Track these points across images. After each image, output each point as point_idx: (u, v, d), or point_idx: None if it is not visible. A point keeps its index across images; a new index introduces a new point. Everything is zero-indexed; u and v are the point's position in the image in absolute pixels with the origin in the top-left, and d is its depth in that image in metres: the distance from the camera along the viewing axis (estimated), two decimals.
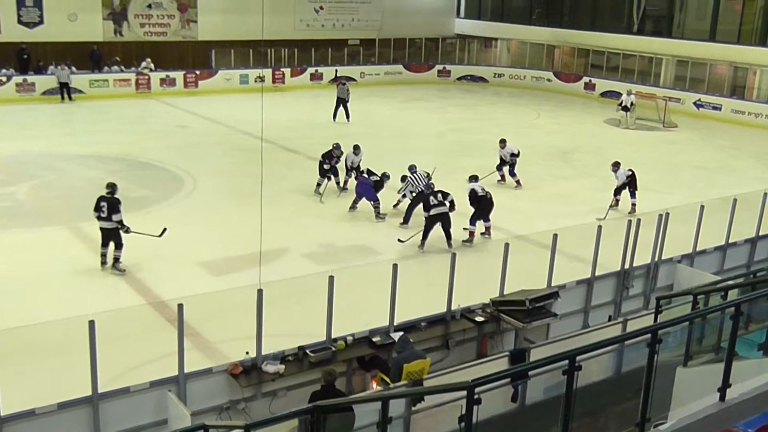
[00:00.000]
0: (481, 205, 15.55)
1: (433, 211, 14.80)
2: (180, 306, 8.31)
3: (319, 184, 18.18)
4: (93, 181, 18.46)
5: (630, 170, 17.77)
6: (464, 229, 15.42)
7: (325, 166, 18.06)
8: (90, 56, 31.83)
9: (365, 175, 17.37)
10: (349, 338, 9.70)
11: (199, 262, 14.08)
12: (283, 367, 9.02)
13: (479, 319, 10.61)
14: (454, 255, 10.51)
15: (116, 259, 13.50)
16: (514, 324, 10.50)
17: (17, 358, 9.08)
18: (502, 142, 20.04)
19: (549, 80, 38.10)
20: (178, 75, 33.23)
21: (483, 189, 15.68)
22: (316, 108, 30.23)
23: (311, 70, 36.31)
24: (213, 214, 16.87)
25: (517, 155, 19.71)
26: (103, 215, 13.34)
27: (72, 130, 25.20)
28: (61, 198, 17.90)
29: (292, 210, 17.19)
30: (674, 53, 33.87)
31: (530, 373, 7.68)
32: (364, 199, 16.96)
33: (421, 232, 15.03)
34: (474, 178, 16.05)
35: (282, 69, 35.57)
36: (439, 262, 12.48)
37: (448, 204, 14.90)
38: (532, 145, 25.07)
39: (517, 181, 19.71)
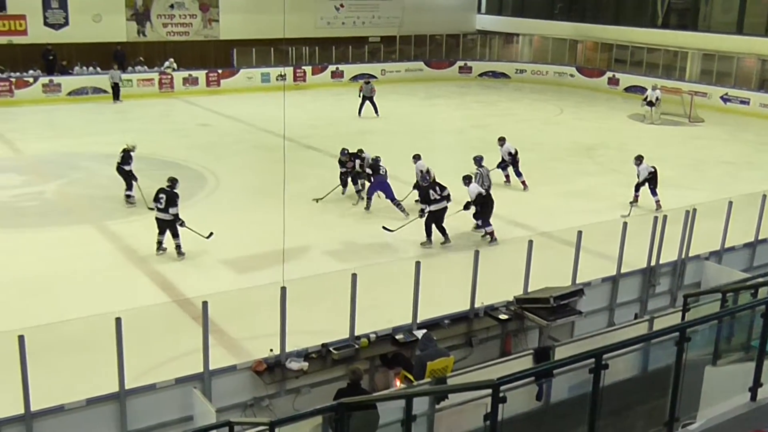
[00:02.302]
0: (488, 204, 15.39)
1: (433, 207, 14.80)
2: (204, 303, 8.35)
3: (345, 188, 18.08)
4: (118, 180, 18.57)
5: (653, 167, 17.60)
6: (480, 230, 15.37)
7: (341, 169, 17.97)
8: (114, 56, 32.06)
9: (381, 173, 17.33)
10: (372, 336, 9.70)
11: (223, 259, 14.15)
12: (306, 364, 9.04)
13: (503, 316, 10.57)
14: (477, 252, 10.47)
15: (178, 247, 14.07)
16: (538, 322, 10.44)
17: (46, 354, 9.16)
18: (501, 140, 19.85)
19: (572, 75, 37.84)
20: (200, 74, 33.42)
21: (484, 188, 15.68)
22: (338, 106, 30.26)
23: (332, 67, 36.35)
24: (235, 212, 16.93)
25: (515, 155, 19.29)
26: (160, 206, 13.96)
27: (97, 129, 25.38)
28: (88, 197, 18.05)
29: (314, 208, 17.21)
30: (700, 47, 33.47)
31: (555, 371, 7.67)
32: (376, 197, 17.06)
33: (409, 223, 15.17)
34: (469, 179, 15.75)
35: (303, 67, 35.64)
36: (462, 260, 12.44)
37: (446, 199, 14.96)
38: (555, 141, 24.99)
39: (523, 182, 19.21)
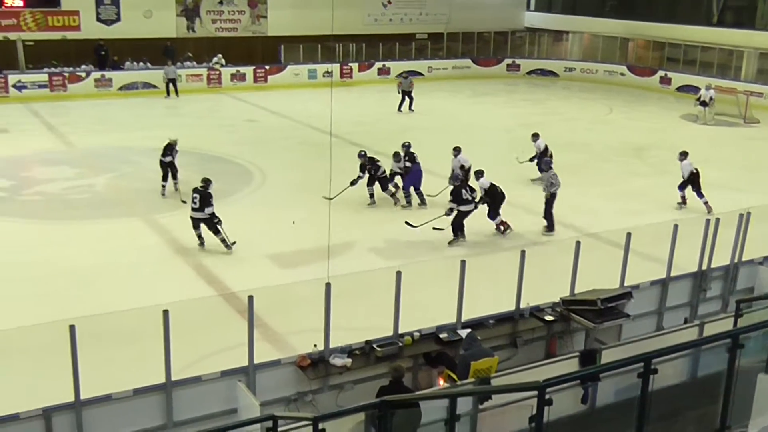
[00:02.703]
0: (496, 198, 15.49)
1: (463, 207, 14.90)
2: (250, 298, 8.41)
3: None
4: None
5: (695, 168, 17.22)
6: (498, 223, 15.49)
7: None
8: (164, 52, 32.49)
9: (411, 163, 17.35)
10: (416, 334, 9.66)
11: (268, 254, 14.25)
12: (350, 360, 9.05)
13: (549, 318, 10.45)
14: (523, 252, 10.37)
15: (223, 241, 14.26)
16: (584, 324, 10.30)
17: (96, 344, 9.31)
18: (535, 135, 19.89)
19: (622, 74, 37.29)
20: (248, 70, 33.70)
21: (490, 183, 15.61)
22: (384, 103, 30.26)
23: (379, 64, 36.37)
24: (281, 208, 17.03)
25: (545, 151, 19.20)
26: (195, 206, 14.11)
27: (146, 124, 25.75)
28: (137, 190, 18.32)
29: (359, 204, 17.22)
30: (757, 45, 32.68)
31: (601, 374, 7.57)
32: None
33: (434, 220, 15.23)
34: (481, 173, 15.66)
35: (350, 64, 35.73)
36: (508, 259, 12.34)
37: (474, 203, 15.14)
38: (604, 141, 24.68)
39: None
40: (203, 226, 14.29)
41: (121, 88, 31.00)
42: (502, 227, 15.50)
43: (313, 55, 34.92)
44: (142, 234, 15.22)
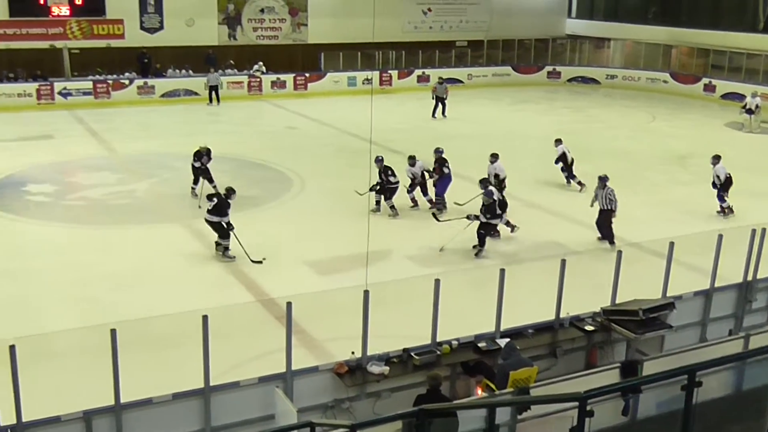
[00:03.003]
0: (502, 206, 15.49)
1: (494, 221, 14.96)
2: (288, 304, 8.42)
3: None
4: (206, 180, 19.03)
5: (728, 173, 16.94)
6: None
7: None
8: (205, 60, 32.86)
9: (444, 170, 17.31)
10: (454, 342, 9.59)
11: (306, 261, 14.28)
12: (387, 368, 9.00)
13: (589, 328, 10.30)
14: (563, 261, 10.25)
15: (226, 248, 14.25)
16: (625, 334, 10.13)
17: (135, 348, 9.40)
18: (557, 141, 19.97)
19: (665, 82, 36.78)
20: (288, 77, 33.93)
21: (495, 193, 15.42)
22: (423, 110, 30.19)
23: (418, 72, 36.35)
24: (320, 215, 17.08)
25: (564, 156, 19.34)
26: (209, 209, 14.29)
27: (188, 131, 26.04)
28: (177, 196, 18.51)
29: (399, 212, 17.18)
30: None
31: (644, 387, 7.42)
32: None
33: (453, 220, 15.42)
34: (486, 182, 15.67)
35: (389, 71, 35.79)
36: (548, 268, 12.20)
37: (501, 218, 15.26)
38: (646, 149, 24.38)
39: (579, 183, 19.49)
40: (215, 234, 14.38)
41: (163, 96, 31.43)
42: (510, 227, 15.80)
43: (353, 63, 35.05)
44: (181, 239, 15.36)
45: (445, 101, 29.03)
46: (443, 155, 17.57)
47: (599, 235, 15.52)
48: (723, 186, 17.01)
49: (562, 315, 10.28)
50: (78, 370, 9.94)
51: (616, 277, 10.55)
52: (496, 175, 16.87)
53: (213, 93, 30.93)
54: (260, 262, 14.13)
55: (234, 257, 14.21)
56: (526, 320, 10.30)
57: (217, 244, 14.40)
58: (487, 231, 14.86)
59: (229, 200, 14.34)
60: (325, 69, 35.09)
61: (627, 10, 39.81)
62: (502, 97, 34.52)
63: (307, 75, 34.33)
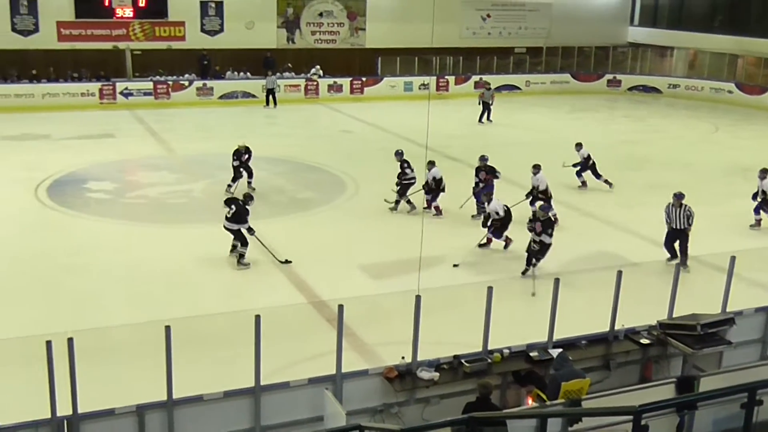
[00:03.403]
0: (507, 220, 15.02)
1: (544, 239, 13.90)
2: (340, 307, 8.43)
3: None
4: (263, 181, 19.26)
5: None
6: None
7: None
8: (264, 63, 33.23)
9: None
10: (506, 351, 9.49)
11: (359, 264, 14.30)
12: (437, 374, 8.95)
13: (644, 341, 10.09)
14: (620, 273, 10.06)
15: (242, 255, 14.14)
16: (682, 349, 9.90)
17: (188, 345, 9.52)
18: (578, 145, 20.16)
19: (730, 92, 35.86)
20: (344, 81, 34.10)
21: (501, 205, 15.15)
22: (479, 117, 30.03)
23: (475, 78, 36.14)
24: (373, 219, 17.09)
25: (588, 158, 19.39)
26: (228, 216, 14.17)
27: (244, 132, 26.25)
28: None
29: (451, 217, 17.12)
30: None
31: (700, 404, 7.23)
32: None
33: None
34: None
35: (446, 77, 35.69)
36: (603, 279, 12.01)
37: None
38: (708, 160, 23.85)
39: (606, 181, 19.73)
40: (232, 239, 14.30)
41: (221, 97, 31.87)
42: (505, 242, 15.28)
43: (410, 68, 35.06)
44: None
45: (491, 106, 29.01)
46: (488, 162, 17.31)
47: (669, 255, 14.59)
48: (766, 200, 16.52)
49: (617, 327, 10.10)
50: (132, 365, 10.10)
51: (673, 290, 10.32)
52: (536, 187, 16.70)
53: (270, 96, 31.24)
54: (288, 262, 14.17)
55: (249, 264, 14.06)
56: (580, 331, 10.14)
57: (233, 247, 14.27)
58: (543, 250, 13.97)
59: (247, 206, 14.28)
60: (381, 73, 35.18)
61: (692, 18, 38.92)
62: (561, 105, 34.14)
63: (363, 79, 34.45)
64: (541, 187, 16.68)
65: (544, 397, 8.75)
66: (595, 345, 10.00)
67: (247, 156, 18.54)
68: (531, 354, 9.50)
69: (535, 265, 13.84)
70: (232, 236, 14.29)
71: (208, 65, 32.77)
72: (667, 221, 14.65)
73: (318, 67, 34.07)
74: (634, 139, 27.21)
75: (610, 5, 40.35)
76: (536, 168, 16.94)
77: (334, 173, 21.00)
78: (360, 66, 35.59)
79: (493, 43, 37.94)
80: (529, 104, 33.51)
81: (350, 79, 34.26)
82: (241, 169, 18.52)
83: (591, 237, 16.12)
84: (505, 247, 15.20)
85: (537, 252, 13.85)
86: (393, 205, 17.38)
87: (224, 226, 14.23)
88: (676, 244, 14.50)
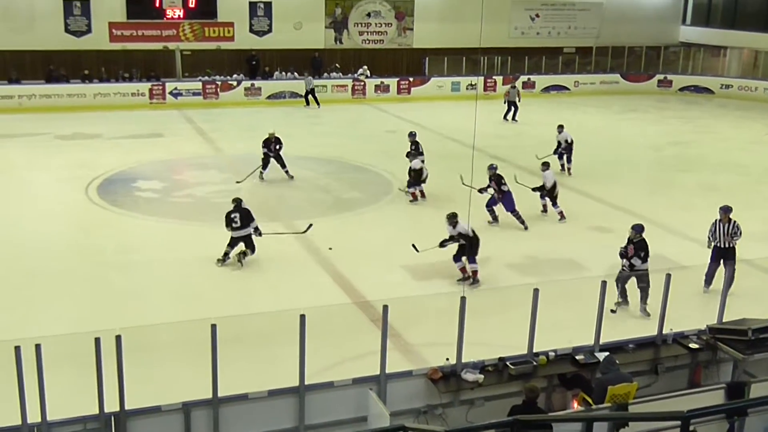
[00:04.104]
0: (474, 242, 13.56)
1: (634, 262, 12.49)
2: (385, 307, 8.42)
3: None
4: (309, 181, 19.41)
5: None
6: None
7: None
8: (312, 63, 33.43)
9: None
10: (552, 354, 9.39)
11: (403, 265, 14.27)
12: (482, 376, 8.89)
13: (693, 345, 9.90)
14: (668, 276, 9.89)
15: (243, 254, 14.25)
16: (733, 354, 9.69)
17: (234, 344, 9.61)
18: (560, 127, 20.95)
19: None
20: (391, 81, 34.14)
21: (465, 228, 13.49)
22: (526, 116, 29.82)
23: (523, 78, 35.89)
24: (418, 219, 17.06)
25: (571, 143, 19.13)
26: (236, 225, 14.09)
27: (292, 132, 26.47)
28: (279, 196, 18.86)
29: (500, 219, 16.99)
30: None
31: (750, 409, 7.07)
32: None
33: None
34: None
35: (494, 77, 35.48)
36: (652, 283, 11.83)
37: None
38: (762, 162, 23.34)
39: (568, 169, 20.21)
40: (241, 245, 14.19)
41: (269, 97, 32.14)
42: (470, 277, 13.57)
43: (457, 68, 34.95)
44: (282, 238, 15.59)
45: (517, 105, 29.12)
46: (497, 171, 16.76)
47: (706, 285, 13.12)
48: None
49: (665, 331, 9.93)
50: (179, 363, 10.23)
51: (724, 294, 10.12)
52: (543, 185, 16.73)
53: (309, 96, 31.46)
54: (310, 227, 14.74)
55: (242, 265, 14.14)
56: (627, 335, 10.01)
57: (227, 254, 14.16)
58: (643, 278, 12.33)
59: (244, 207, 14.29)
60: (429, 74, 35.14)
61: (746, 17, 38.05)
62: (610, 105, 33.73)
63: (411, 79, 34.44)
64: (548, 185, 16.72)
65: (590, 400, 8.65)
66: (642, 349, 9.84)
67: (277, 146, 19.75)
68: (577, 357, 9.39)
69: (644, 301, 12.27)
70: (236, 243, 14.16)
71: (257, 65, 33.07)
72: (710, 238, 13.28)
73: (365, 67, 34.15)
74: (685, 139, 26.75)
75: (661, 4, 39.73)
76: (545, 165, 17.10)
77: (380, 173, 21.02)
78: (407, 66, 35.61)
79: (541, 43, 37.66)
80: (578, 105, 33.15)
81: (397, 79, 34.29)
82: (270, 157, 19.74)
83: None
84: (462, 279, 13.53)
85: (636, 280, 12.40)
86: (412, 198, 18.33)
87: (234, 237, 14.12)
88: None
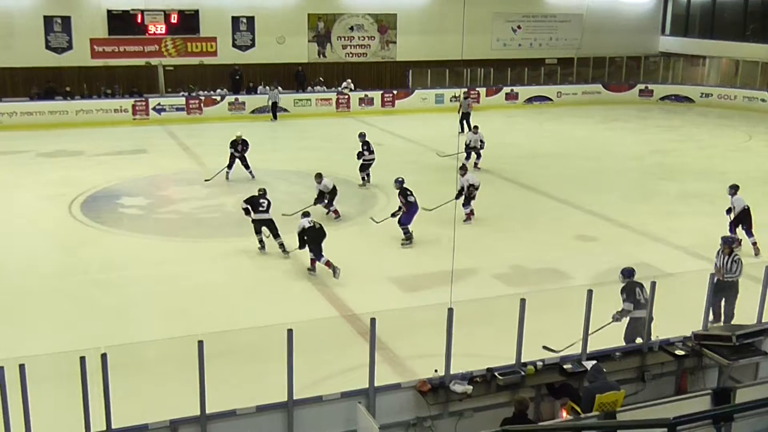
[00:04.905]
0: (312, 237, 14.32)
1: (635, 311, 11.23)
2: (372, 320, 8.41)
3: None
4: (294, 195, 19.39)
5: (746, 205, 15.76)
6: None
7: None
8: (295, 77, 33.49)
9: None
10: (539, 363, 9.41)
11: (390, 277, 14.29)
12: (470, 387, 8.89)
13: (679, 352, 9.95)
14: (653, 283, 9.96)
15: (282, 245, 15.30)
16: (718, 360, 9.75)
17: (221, 360, 9.58)
18: (475, 128, 22.57)
19: (763, 100, 35.38)
20: (375, 95, 34.24)
21: (311, 221, 14.46)
22: (511, 128, 30.01)
23: (506, 89, 36.15)
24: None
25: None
26: (262, 209, 15.40)
27: (277, 146, 26.55)
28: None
29: (484, 230, 17.06)
30: None
31: (736, 414, 7.12)
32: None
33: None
34: (306, 214, 14.82)
35: (477, 88, 35.66)
36: None
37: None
38: (742, 169, 23.47)
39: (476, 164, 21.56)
40: (264, 229, 15.32)
41: (253, 112, 32.13)
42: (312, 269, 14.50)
43: (441, 80, 35.11)
44: (268, 253, 15.59)
45: (469, 115, 28.61)
46: (404, 185, 16.80)
47: (712, 317, 11.46)
48: (738, 221, 15.78)
49: (652, 338, 9.98)
50: (165, 380, 10.18)
51: (708, 300, 10.19)
52: (461, 190, 17.23)
53: (274, 110, 31.64)
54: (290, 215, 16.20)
55: (289, 252, 15.13)
56: (614, 343, 10.06)
57: (261, 241, 15.45)
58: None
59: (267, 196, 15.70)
60: (413, 86, 35.28)
61: (724, 27, 38.51)
62: (592, 115, 33.97)
63: (394, 92, 34.56)
64: (469, 186, 17.33)
65: (578, 409, 8.67)
66: (629, 356, 9.88)
67: (243, 147, 21.47)
68: (565, 366, 9.41)
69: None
70: (263, 230, 15.29)
71: (240, 80, 33.08)
72: (716, 270, 12.11)
73: (349, 80, 34.26)
74: (666, 148, 26.95)
75: (641, 15, 40.13)
76: (463, 170, 17.75)
77: (366, 186, 21.04)
78: (391, 79, 35.75)
79: (524, 55, 37.93)
80: (561, 115, 33.36)
81: (381, 92, 34.41)
82: (236, 158, 21.40)
83: (624, 248, 15.96)
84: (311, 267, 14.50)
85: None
86: (362, 183, 20.71)
87: (258, 220, 15.31)
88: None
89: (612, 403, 8.45)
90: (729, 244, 12.24)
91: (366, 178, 21.07)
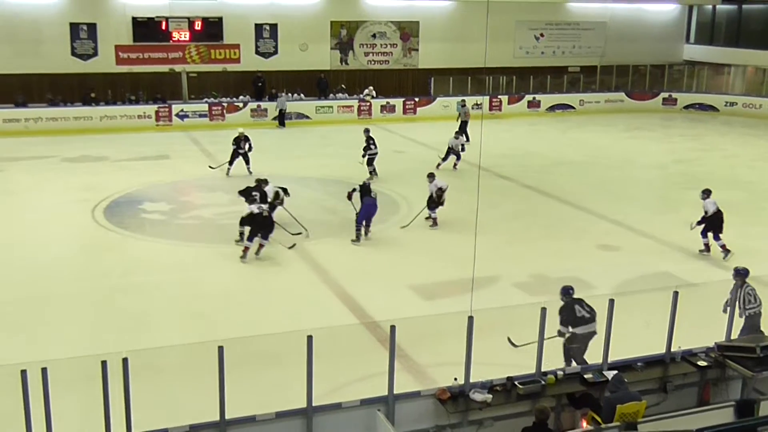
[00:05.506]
0: (258, 224, 15.48)
1: (580, 330, 10.77)
2: (392, 328, 8.40)
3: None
4: (315, 201, 19.44)
5: (718, 209, 15.66)
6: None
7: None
8: (317, 84, 33.59)
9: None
10: (560, 373, 9.35)
11: (411, 285, 14.27)
12: (490, 396, 8.85)
13: (702, 363, 9.84)
14: (676, 293, 9.86)
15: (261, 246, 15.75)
16: (741, 372, 9.63)
17: (241, 365, 9.60)
18: (456, 133, 23.82)
19: None
20: (397, 102, 34.26)
21: (260, 207, 15.69)
22: (532, 135, 29.90)
23: (529, 97, 36.04)
24: (426, 239, 17.06)
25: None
26: (279, 204, 16.48)
27: (298, 153, 26.62)
28: (286, 217, 18.82)
29: (505, 238, 17.00)
30: None
31: (760, 428, 7.04)
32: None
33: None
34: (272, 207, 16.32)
35: (499, 96, 35.58)
36: (659, 300, 11.77)
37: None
38: (767, 179, 23.31)
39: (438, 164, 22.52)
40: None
41: (275, 118, 32.24)
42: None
43: (463, 88, 35.06)
44: (289, 259, 15.64)
45: (467, 123, 28.45)
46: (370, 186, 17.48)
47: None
48: (711, 225, 15.72)
49: (674, 349, 9.88)
50: (186, 385, 10.22)
51: (731, 311, 10.08)
52: (431, 196, 17.66)
53: (281, 117, 31.70)
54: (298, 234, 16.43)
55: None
56: (635, 353, 9.96)
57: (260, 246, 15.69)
58: (570, 353, 10.92)
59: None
60: (434, 94, 35.27)
61: (750, 35, 38.15)
62: (615, 124, 33.77)
63: (416, 99, 34.57)
64: (436, 189, 17.78)
65: (599, 419, 8.60)
66: (651, 367, 9.79)
67: (246, 143, 22.11)
68: (585, 376, 9.35)
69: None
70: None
71: (263, 87, 33.23)
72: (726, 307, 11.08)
73: (371, 87, 34.30)
74: (690, 157, 26.75)
75: (665, 23, 39.89)
76: (431, 177, 18.11)
77: (387, 193, 21.01)
78: (413, 86, 35.76)
79: (546, 62, 37.81)
80: (583, 123, 33.21)
81: (403, 99, 34.43)
82: (239, 154, 22.08)
83: (648, 257, 15.84)
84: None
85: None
86: (369, 176, 20.63)
87: (270, 213, 15.99)
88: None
89: (633, 413, 8.37)
90: (740, 275, 11.50)
91: (374, 171, 22.06)
